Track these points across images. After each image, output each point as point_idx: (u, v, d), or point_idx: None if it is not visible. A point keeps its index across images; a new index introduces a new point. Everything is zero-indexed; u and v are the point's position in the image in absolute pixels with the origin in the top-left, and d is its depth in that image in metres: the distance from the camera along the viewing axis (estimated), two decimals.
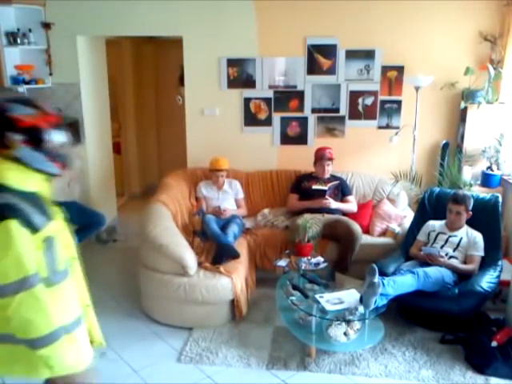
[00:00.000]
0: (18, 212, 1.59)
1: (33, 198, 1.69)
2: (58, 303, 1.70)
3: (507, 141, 4.38)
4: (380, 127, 4.78)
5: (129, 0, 4.52)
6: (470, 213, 3.59)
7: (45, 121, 1.68)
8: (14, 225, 1.56)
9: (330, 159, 4.28)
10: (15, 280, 1.58)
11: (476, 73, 4.37)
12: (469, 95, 4.41)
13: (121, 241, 5.13)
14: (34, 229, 1.62)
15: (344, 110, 4.75)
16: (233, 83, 4.70)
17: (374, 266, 3.13)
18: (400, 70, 4.62)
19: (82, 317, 1.87)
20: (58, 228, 1.79)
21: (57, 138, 1.71)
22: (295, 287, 3.30)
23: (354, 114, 4.76)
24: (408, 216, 4.24)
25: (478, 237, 3.55)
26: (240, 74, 4.68)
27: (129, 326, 3.52)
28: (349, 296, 3.19)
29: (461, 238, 3.56)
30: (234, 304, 3.48)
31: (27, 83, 4.52)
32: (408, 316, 3.49)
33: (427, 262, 3.47)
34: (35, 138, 1.66)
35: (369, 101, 4.72)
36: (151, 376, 2.98)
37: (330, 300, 3.13)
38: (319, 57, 4.63)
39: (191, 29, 4.58)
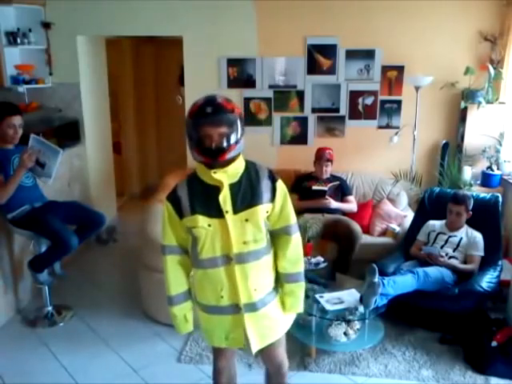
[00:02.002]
0: (175, 199, 1.94)
1: (198, 189, 1.92)
2: (199, 283, 2.02)
3: (507, 141, 4.39)
4: (380, 127, 4.78)
5: (129, 0, 4.52)
6: (470, 213, 3.59)
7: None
8: (166, 204, 1.97)
9: (329, 160, 4.27)
10: (162, 244, 2.03)
11: (476, 73, 4.37)
12: (469, 95, 4.41)
13: (120, 240, 5.13)
14: (180, 215, 1.93)
15: (344, 109, 4.75)
16: (233, 83, 4.70)
17: (374, 265, 3.13)
18: (400, 69, 4.62)
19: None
20: (213, 224, 1.89)
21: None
22: None
23: (354, 114, 4.76)
24: (408, 216, 4.24)
25: (478, 237, 3.55)
26: (240, 74, 4.68)
27: (129, 326, 3.52)
28: (349, 296, 3.19)
29: (461, 238, 3.56)
30: None
31: (27, 83, 4.51)
32: (408, 316, 3.49)
33: (427, 261, 3.47)
34: None
35: (369, 101, 4.72)
36: (151, 376, 2.98)
37: (329, 300, 3.13)
38: (319, 57, 4.63)
39: (191, 29, 4.58)
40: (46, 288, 3.56)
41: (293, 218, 2.03)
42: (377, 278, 3.05)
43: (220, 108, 1.80)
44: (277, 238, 2.04)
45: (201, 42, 4.62)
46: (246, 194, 1.90)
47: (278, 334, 2.10)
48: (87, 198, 4.88)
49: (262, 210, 1.92)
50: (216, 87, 4.70)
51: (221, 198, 1.87)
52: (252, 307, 1.98)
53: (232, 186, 1.89)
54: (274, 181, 1.97)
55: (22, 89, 4.48)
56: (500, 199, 3.76)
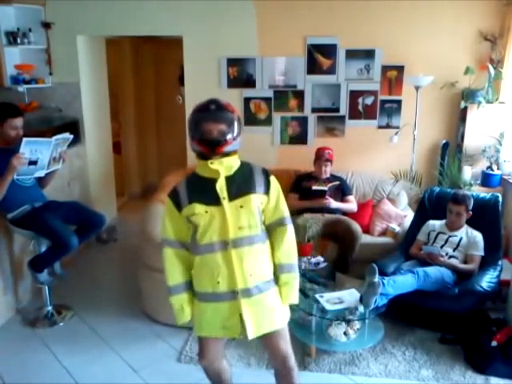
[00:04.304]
0: (174, 194, 2.12)
1: (195, 183, 2.11)
2: (197, 270, 2.13)
3: (507, 140, 4.38)
4: (380, 127, 4.78)
5: (129, 0, 4.52)
6: (470, 213, 3.59)
7: None
8: (167, 200, 2.14)
9: (328, 160, 4.26)
10: (161, 238, 2.19)
11: (476, 72, 4.37)
12: (469, 95, 4.41)
13: (120, 240, 5.13)
14: (179, 208, 2.10)
15: (344, 109, 4.75)
16: (233, 83, 4.70)
17: (374, 265, 3.13)
18: (400, 69, 4.62)
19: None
20: (211, 210, 2.04)
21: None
22: None
23: (354, 114, 4.76)
24: (408, 216, 4.24)
25: (478, 236, 3.55)
26: (240, 74, 4.68)
27: (129, 326, 3.52)
28: (349, 296, 3.19)
29: (461, 238, 3.56)
30: None
31: (27, 83, 4.52)
32: (408, 316, 3.49)
33: (427, 261, 3.47)
34: None
35: (369, 100, 4.72)
36: (151, 376, 2.98)
37: (329, 300, 3.13)
38: (319, 56, 4.63)
39: (191, 29, 4.58)
40: (46, 288, 3.56)
41: (286, 211, 2.20)
42: (377, 278, 3.05)
43: (222, 107, 2.04)
44: (273, 230, 2.19)
45: (201, 42, 4.62)
46: (240, 184, 2.08)
47: (274, 324, 2.17)
48: (87, 198, 4.89)
49: (256, 199, 2.08)
50: (216, 87, 4.70)
51: (218, 185, 2.04)
52: (247, 292, 2.08)
53: (227, 178, 2.07)
54: (267, 176, 2.16)
55: (22, 89, 4.48)
56: (500, 199, 3.76)
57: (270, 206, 2.14)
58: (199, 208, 2.04)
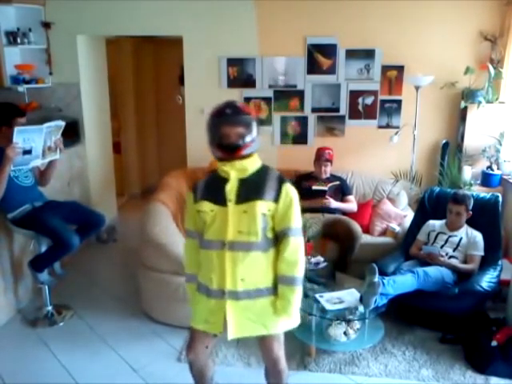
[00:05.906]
0: (193, 187, 2.19)
1: (212, 181, 2.15)
2: (201, 262, 2.18)
3: (507, 140, 4.38)
4: (380, 127, 4.78)
5: (129, 0, 4.52)
6: (470, 213, 3.59)
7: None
8: (187, 193, 2.24)
9: (328, 160, 4.27)
10: (184, 228, 2.37)
11: (476, 72, 4.37)
12: (469, 95, 4.41)
13: (120, 240, 5.13)
14: (195, 199, 2.15)
15: (344, 109, 4.75)
16: (233, 83, 4.70)
17: (374, 265, 3.13)
18: (400, 69, 4.62)
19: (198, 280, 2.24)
20: (216, 210, 2.08)
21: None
22: None
23: (354, 114, 4.76)
24: (408, 216, 4.24)
25: (478, 236, 3.55)
26: (240, 74, 4.68)
27: (129, 326, 3.52)
28: (349, 295, 3.19)
29: (461, 238, 3.56)
30: None
31: (27, 83, 4.52)
32: (408, 316, 3.49)
33: (427, 261, 3.47)
34: None
35: (369, 100, 4.72)
36: (151, 375, 2.98)
37: (329, 299, 3.13)
38: (319, 56, 4.63)
39: (191, 29, 4.59)
40: (46, 288, 3.56)
41: (295, 222, 2.11)
42: (377, 278, 3.05)
43: (238, 110, 2.03)
44: (279, 240, 2.14)
45: (201, 42, 4.62)
46: (251, 189, 2.07)
47: (261, 331, 2.17)
48: (87, 198, 4.89)
49: (262, 206, 2.05)
50: (216, 87, 4.71)
51: (227, 187, 2.06)
52: (235, 295, 2.09)
53: (240, 181, 2.08)
54: (281, 183, 2.11)
55: (21, 88, 4.49)
56: (500, 199, 3.76)
57: (278, 214, 2.09)
58: (206, 206, 2.09)
